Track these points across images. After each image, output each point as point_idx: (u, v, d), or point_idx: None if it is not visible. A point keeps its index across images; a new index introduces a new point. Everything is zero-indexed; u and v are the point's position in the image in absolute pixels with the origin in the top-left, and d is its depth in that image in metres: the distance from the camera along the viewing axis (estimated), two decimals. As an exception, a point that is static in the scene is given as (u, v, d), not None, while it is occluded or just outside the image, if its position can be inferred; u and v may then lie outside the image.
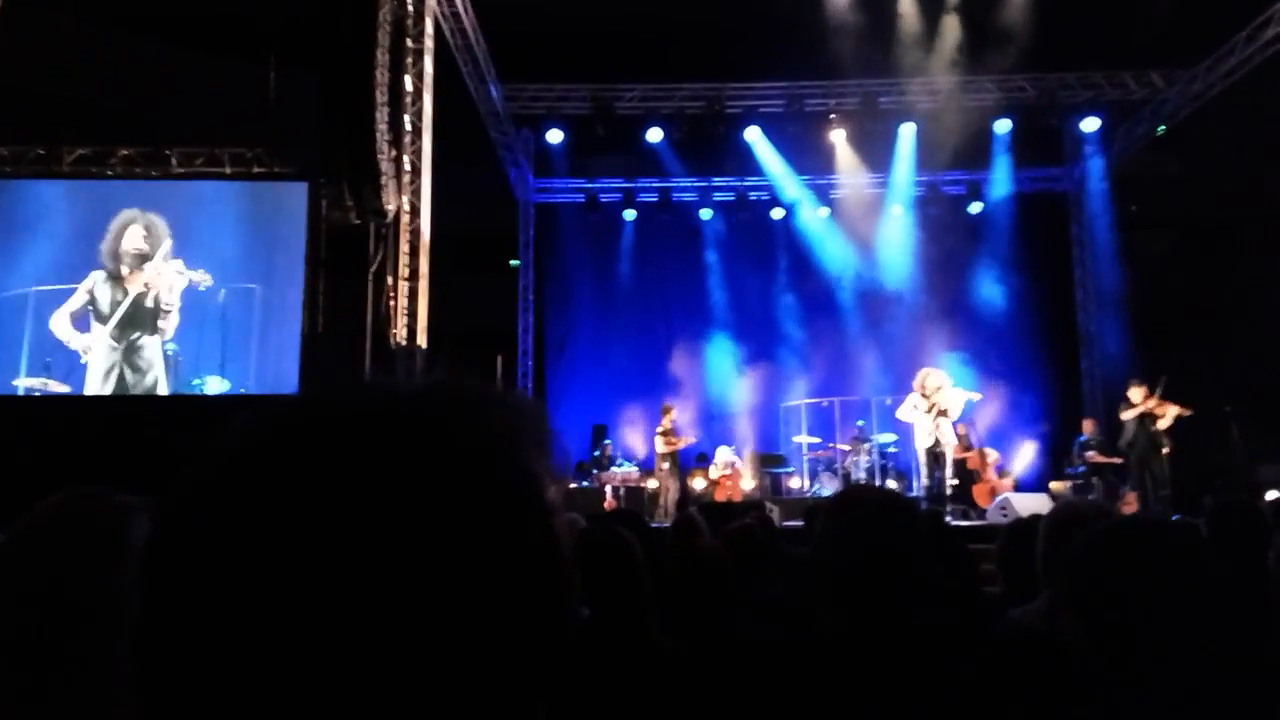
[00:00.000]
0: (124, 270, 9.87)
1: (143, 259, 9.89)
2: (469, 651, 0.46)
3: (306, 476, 0.46)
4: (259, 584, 0.44)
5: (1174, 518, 7.54)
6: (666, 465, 11.75)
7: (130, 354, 9.69)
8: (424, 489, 0.46)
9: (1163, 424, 9.89)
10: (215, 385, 9.50)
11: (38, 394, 9.41)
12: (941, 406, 10.09)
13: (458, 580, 0.46)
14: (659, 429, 11.92)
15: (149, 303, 9.82)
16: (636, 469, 12.41)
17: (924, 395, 10.19)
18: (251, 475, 0.47)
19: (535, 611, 0.48)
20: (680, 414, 12.54)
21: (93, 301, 9.81)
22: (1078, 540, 1.34)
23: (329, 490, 0.45)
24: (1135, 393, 10.05)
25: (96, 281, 9.85)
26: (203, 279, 9.73)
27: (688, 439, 12.24)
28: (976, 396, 10.81)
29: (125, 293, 9.82)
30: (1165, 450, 9.83)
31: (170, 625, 0.45)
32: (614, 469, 12.21)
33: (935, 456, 10.15)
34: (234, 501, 0.46)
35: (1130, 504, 10.21)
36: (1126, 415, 10.12)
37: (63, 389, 9.46)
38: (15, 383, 9.51)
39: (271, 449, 0.48)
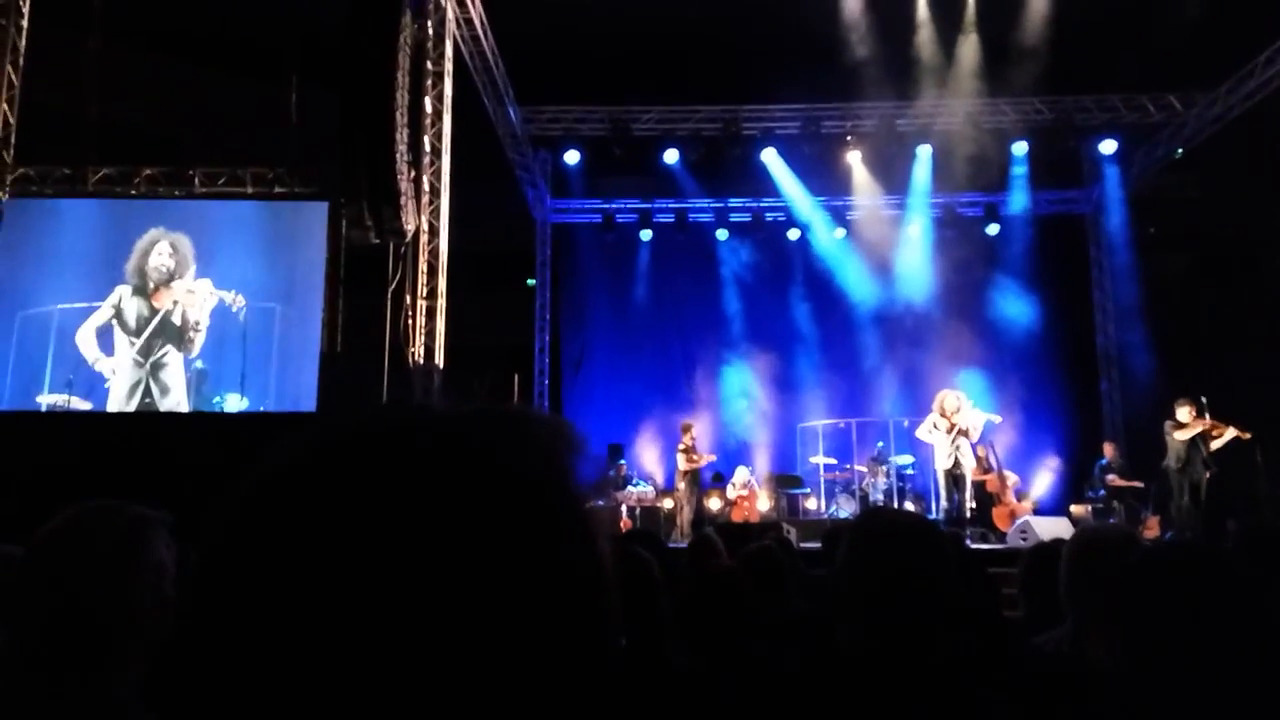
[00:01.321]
0: (150, 287, 9.98)
1: (169, 277, 9.99)
2: (519, 676, 0.46)
3: (360, 499, 0.46)
4: (310, 604, 0.44)
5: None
6: (684, 485, 11.72)
7: (156, 370, 9.77)
8: (474, 512, 0.47)
9: (1216, 444, 9.53)
10: (235, 403, 9.56)
11: (60, 410, 9.50)
12: (961, 428, 10.02)
13: (510, 605, 0.46)
14: (680, 446, 11.90)
15: (176, 320, 9.91)
16: (652, 489, 12.37)
17: (943, 416, 10.12)
18: (304, 497, 0.47)
19: (580, 636, 0.49)
20: (696, 434, 12.51)
21: (119, 315, 9.90)
22: (1127, 561, 1.32)
23: (382, 513, 0.46)
24: (1184, 412, 9.66)
25: (123, 296, 9.95)
26: (235, 300, 9.81)
27: (708, 458, 12.23)
28: (997, 419, 10.72)
29: (152, 309, 9.92)
30: (1208, 474, 9.48)
31: (220, 643, 0.45)
32: (630, 489, 12.19)
33: (955, 479, 10.07)
34: (286, 523, 0.46)
35: (1152, 528, 10.09)
36: (1182, 435, 9.60)
37: (85, 405, 9.55)
38: (39, 399, 9.60)
39: (324, 471, 0.48)
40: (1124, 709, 1.23)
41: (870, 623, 1.43)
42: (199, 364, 9.80)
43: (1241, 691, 1.17)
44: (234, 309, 9.82)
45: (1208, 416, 9.62)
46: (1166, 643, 1.21)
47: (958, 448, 10.02)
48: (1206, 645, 1.19)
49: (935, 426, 10.17)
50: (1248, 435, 9.59)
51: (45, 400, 9.58)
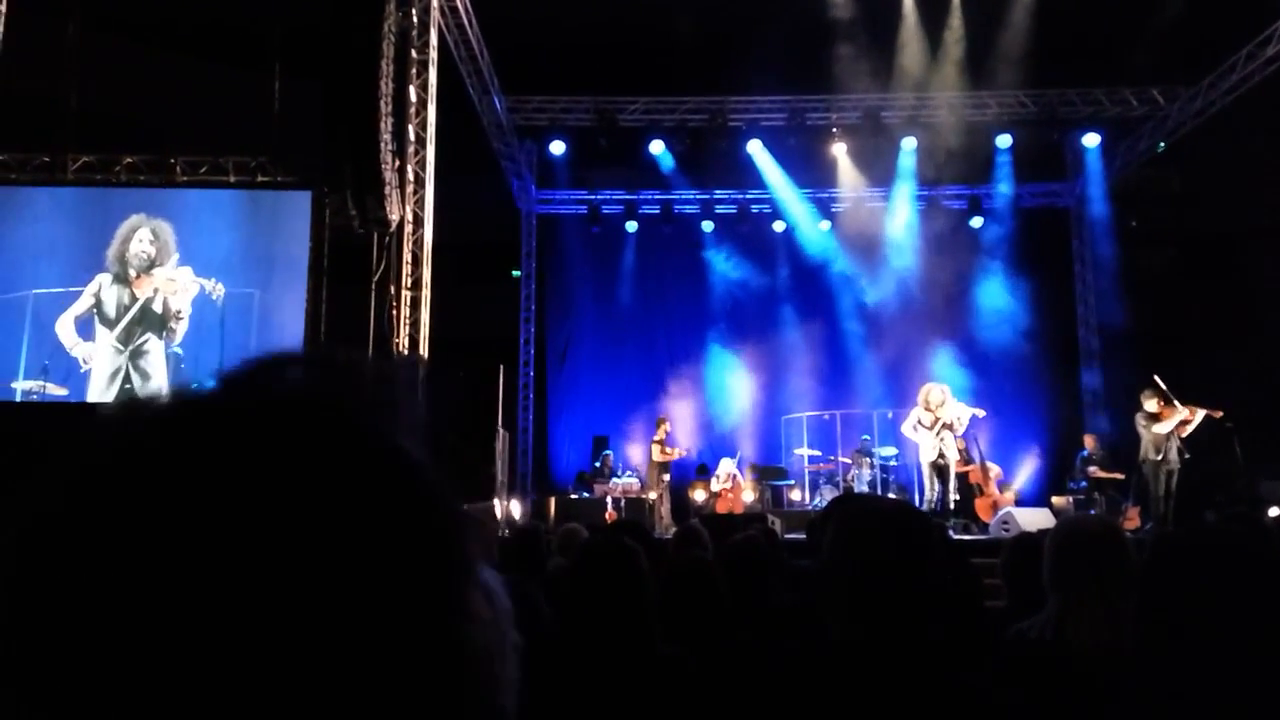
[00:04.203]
0: (131, 274, 9.88)
1: (150, 264, 9.90)
2: (350, 661, 0.41)
3: (170, 468, 0.44)
4: (127, 589, 0.40)
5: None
6: (655, 476, 11.95)
7: (136, 358, 9.68)
8: (268, 482, 0.43)
9: (1189, 429, 9.44)
10: (215, 391, 9.49)
11: (35, 397, 9.40)
12: (945, 420, 10.07)
13: (334, 580, 0.41)
14: (654, 438, 12.15)
15: (157, 307, 9.82)
16: (637, 480, 12.40)
17: (927, 409, 10.17)
18: (109, 478, 0.44)
19: (420, 594, 0.43)
20: (681, 426, 12.63)
21: (99, 304, 9.81)
22: (1149, 549, 1.32)
23: (176, 491, 0.42)
24: (1151, 403, 9.55)
25: (103, 285, 9.86)
26: (215, 288, 9.73)
27: (679, 452, 12.39)
28: (980, 413, 10.73)
29: (133, 297, 9.83)
30: (1182, 460, 9.42)
31: (32, 637, 0.41)
32: (614, 480, 12.21)
33: (939, 470, 10.12)
34: (92, 506, 0.43)
35: (1132, 519, 10.18)
36: (1161, 428, 9.43)
37: (61, 392, 9.45)
38: (14, 385, 9.50)
39: (117, 453, 0.45)
40: (1133, 695, 1.23)
41: (856, 608, 1.44)
42: (177, 351, 9.72)
43: (1260, 681, 1.17)
44: (213, 297, 9.75)
45: (1176, 403, 9.59)
46: (1189, 628, 1.20)
47: (942, 440, 10.07)
48: (1231, 632, 1.19)
49: (920, 421, 10.21)
50: (1219, 413, 9.60)
51: (20, 386, 9.48)
